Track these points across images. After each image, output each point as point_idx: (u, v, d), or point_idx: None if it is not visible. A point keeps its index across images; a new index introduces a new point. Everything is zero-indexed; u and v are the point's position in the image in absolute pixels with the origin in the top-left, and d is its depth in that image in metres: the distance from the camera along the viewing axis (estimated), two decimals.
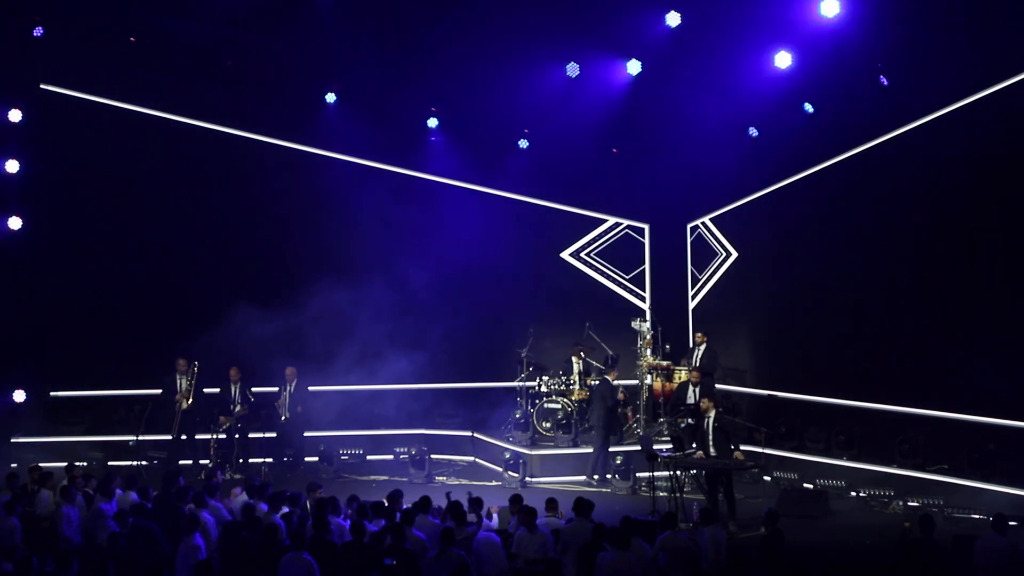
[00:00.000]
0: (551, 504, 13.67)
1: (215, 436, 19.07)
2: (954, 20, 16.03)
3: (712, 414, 15.88)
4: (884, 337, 18.16)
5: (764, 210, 20.54)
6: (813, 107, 18.63)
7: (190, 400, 19.02)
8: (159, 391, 19.44)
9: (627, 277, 22.28)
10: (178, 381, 19.19)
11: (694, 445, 16.74)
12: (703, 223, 21.87)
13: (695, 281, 22.15)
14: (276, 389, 19.68)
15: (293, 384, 19.58)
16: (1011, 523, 12.38)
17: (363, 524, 12.32)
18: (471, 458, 20.30)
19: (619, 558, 11.52)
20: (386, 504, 13.51)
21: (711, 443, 15.76)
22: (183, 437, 19.14)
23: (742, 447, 16.16)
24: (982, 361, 16.29)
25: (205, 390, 19.35)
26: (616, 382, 18.86)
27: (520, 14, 18.57)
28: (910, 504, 16.08)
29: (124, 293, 20.62)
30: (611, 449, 18.49)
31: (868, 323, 18.50)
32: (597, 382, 19.14)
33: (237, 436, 19.23)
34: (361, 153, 21.42)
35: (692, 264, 22.22)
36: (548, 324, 21.36)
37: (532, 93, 19.86)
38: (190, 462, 18.97)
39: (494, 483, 18.40)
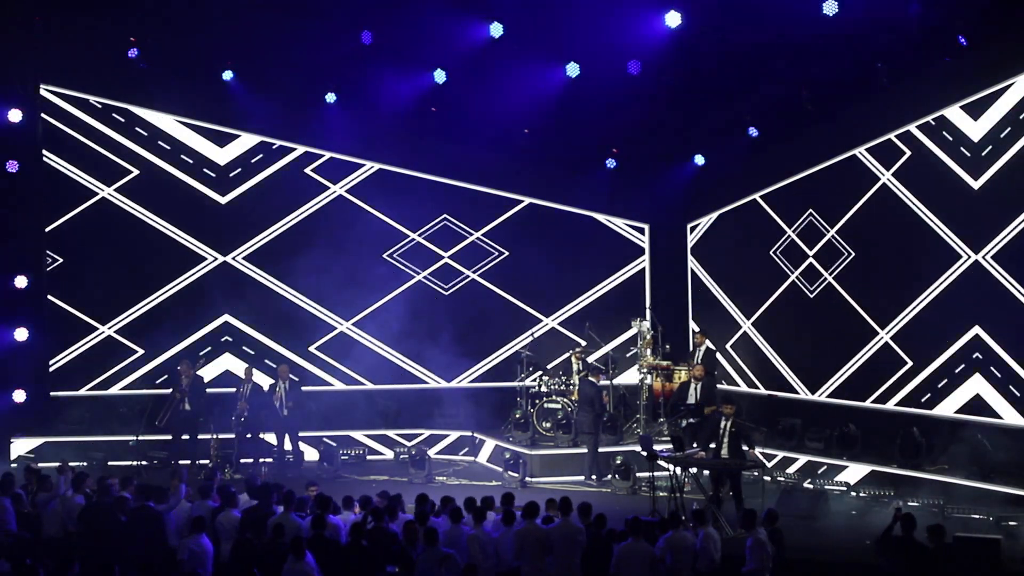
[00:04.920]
0: (551, 504, 13.67)
1: (215, 436, 19.06)
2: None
3: (732, 418, 15.81)
4: (883, 337, 18.19)
5: (763, 210, 20.54)
6: (811, 107, 18.61)
7: (186, 401, 19.06)
8: (164, 391, 19.54)
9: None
10: (182, 382, 19.28)
11: (695, 445, 16.74)
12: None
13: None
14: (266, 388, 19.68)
15: (287, 381, 19.57)
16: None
17: (362, 524, 12.35)
18: (471, 458, 20.31)
19: (633, 545, 11.80)
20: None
21: (725, 446, 15.72)
22: (185, 437, 19.18)
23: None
24: (982, 360, 16.34)
25: (210, 390, 19.51)
26: (602, 382, 18.87)
27: (514, 12, 18.63)
28: (910, 504, 16.06)
29: (124, 291, 20.67)
30: (611, 449, 18.54)
31: (867, 323, 18.53)
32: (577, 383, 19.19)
33: (248, 436, 19.24)
34: (363, 152, 21.39)
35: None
36: (548, 324, 21.35)
37: (531, 92, 19.86)
38: (188, 462, 18.96)
39: (494, 483, 18.40)
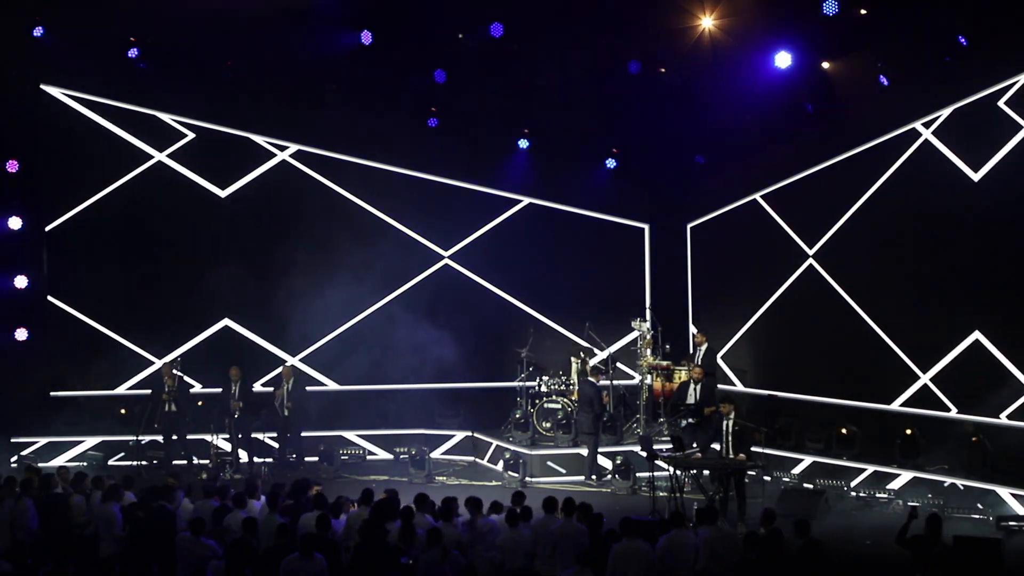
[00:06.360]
0: (550, 504, 13.65)
1: (215, 436, 19.07)
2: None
3: (732, 417, 15.80)
4: (883, 337, 18.20)
5: (764, 210, 20.54)
6: (813, 107, 18.61)
7: (173, 403, 19.06)
8: (149, 391, 19.59)
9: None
10: (165, 383, 19.27)
11: (695, 445, 16.72)
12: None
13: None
14: (271, 389, 19.69)
15: (290, 382, 19.55)
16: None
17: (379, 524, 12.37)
18: (471, 458, 20.32)
19: (628, 545, 11.78)
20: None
21: (729, 446, 15.69)
22: (174, 438, 19.21)
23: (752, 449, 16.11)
24: (982, 360, 16.33)
25: (193, 390, 19.53)
26: (602, 382, 18.86)
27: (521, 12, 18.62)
28: (910, 504, 16.05)
29: (124, 291, 20.67)
30: (611, 449, 18.55)
31: (867, 323, 18.52)
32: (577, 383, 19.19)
33: (240, 436, 19.27)
34: (362, 153, 21.40)
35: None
36: (548, 324, 21.38)
37: (532, 92, 19.85)
38: (184, 462, 18.99)
39: (494, 483, 18.41)
